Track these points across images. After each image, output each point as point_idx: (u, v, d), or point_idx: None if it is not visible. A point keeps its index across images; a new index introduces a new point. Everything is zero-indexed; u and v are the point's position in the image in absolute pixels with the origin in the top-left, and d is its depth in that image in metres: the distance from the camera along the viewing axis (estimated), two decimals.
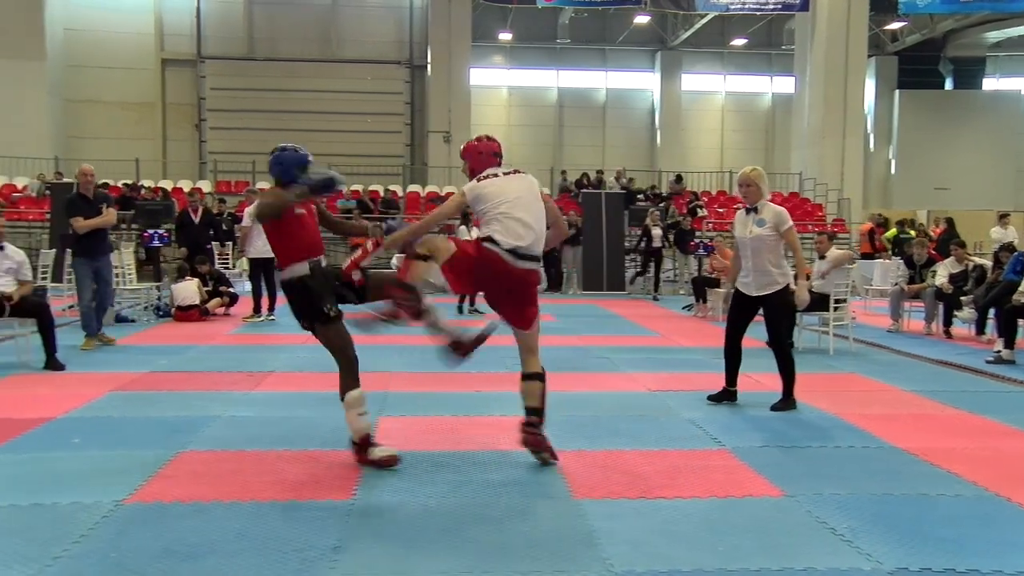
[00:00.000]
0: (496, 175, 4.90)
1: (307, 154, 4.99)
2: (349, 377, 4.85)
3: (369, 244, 4.92)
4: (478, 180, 4.88)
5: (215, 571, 3.45)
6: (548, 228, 4.98)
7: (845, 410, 6.54)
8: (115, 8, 27.42)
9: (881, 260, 17.81)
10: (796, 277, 6.58)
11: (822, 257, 10.00)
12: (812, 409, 6.60)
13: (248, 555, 3.61)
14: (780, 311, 6.46)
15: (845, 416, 6.34)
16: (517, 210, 4.72)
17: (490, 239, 4.68)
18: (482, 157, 5.06)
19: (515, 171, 5.01)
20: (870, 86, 30.10)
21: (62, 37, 26.70)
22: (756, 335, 6.88)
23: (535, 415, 5.01)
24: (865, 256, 19.06)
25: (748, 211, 6.54)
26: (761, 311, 6.49)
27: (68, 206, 8.98)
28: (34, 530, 3.85)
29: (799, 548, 3.79)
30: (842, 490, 4.58)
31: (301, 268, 4.82)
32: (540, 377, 5.04)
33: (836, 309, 9.60)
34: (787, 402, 6.55)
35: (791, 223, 6.38)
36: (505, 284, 4.81)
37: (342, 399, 4.82)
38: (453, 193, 4.97)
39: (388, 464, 4.84)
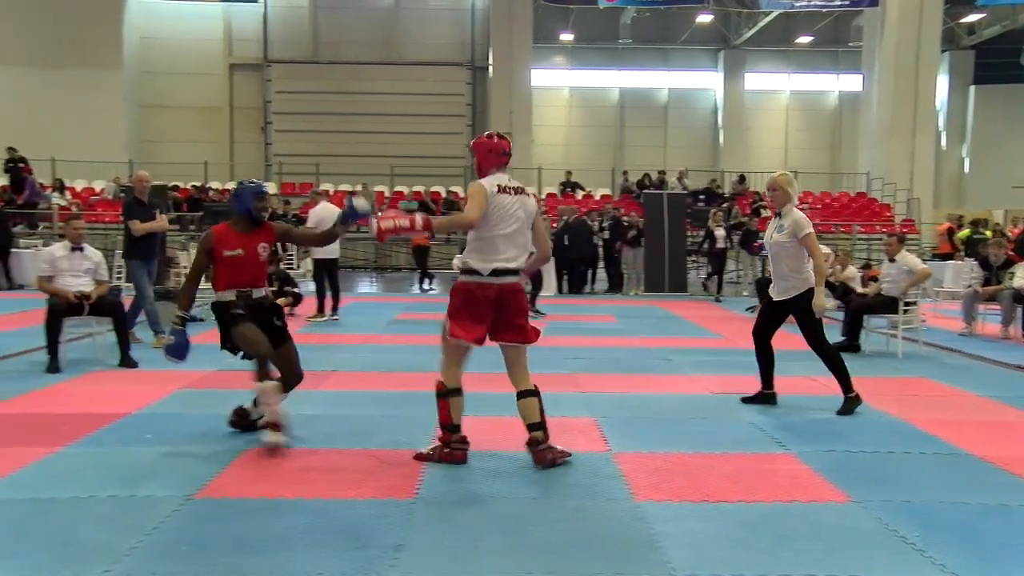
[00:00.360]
0: (508, 190, 4.99)
1: (261, 185, 5.75)
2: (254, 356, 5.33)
3: (419, 220, 4.93)
4: (498, 189, 4.94)
5: (279, 566, 3.52)
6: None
7: (915, 415, 6.37)
8: (187, 16, 28.22)
9: (953, 261, 17.29)
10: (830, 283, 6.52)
11: (891, 260, 9.71)
12: (880, 414, 6.45)
13: (312, 551, 3.67)
14: (805, 314, 6.42)
15: (915, 421, 6.18)
16: (510, 239, 4.93)
17: (468, 271, 4.92)
18: (491, 155, 5.09)
19: (522, 190, 5.11)
20: (943, 82, 29.26)
21: (138, 45, 27.72)
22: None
23: (540, 430, 4.99)
24: (943, 257, 18.51)
25: (776, 216, 6.57)
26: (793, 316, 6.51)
27: (125, 209, 9.31)
28: (112, 521, 3.98)
29: (867, 556, 3.70)
30: (913, 497, 4.46)
31: (226, 295, 5.46)
32: (536, 393, 5.04)
33: (905, 312, 9.35)
34: (849, 403, 6.43)
35: (809, 230, 6.32)
36: (496, 303, 4.91)
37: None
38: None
39: (272, 451, 5.10)
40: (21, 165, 22.23)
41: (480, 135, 5.30)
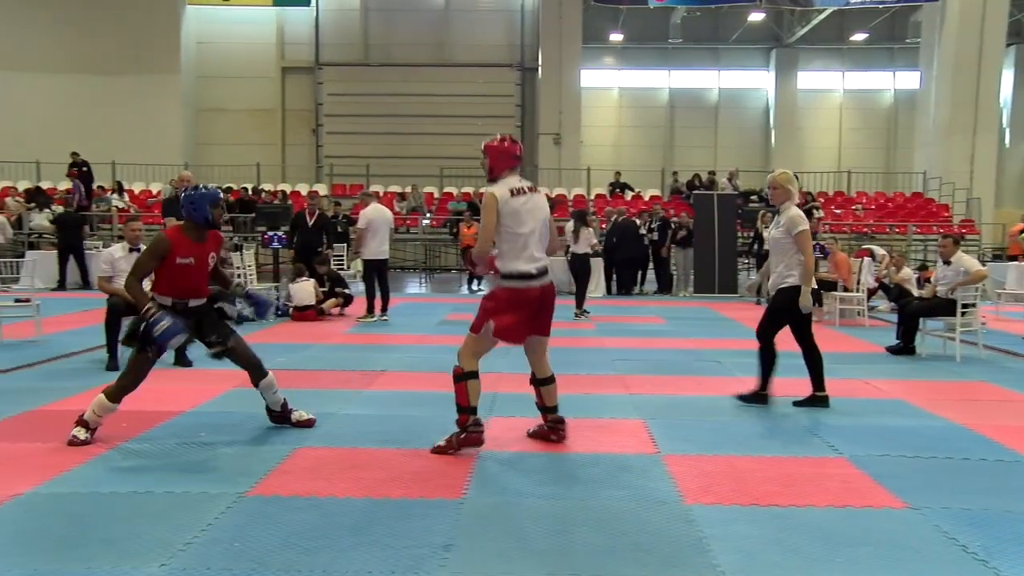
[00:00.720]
0: (522, 190, 5.16)
1: (218, 192, 5.68)
2: (124, 382, 5.44)
3: (480, 266, 5.28)
4: (511, 193, 5.09)
5: (330, 565, 3.56)
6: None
7: (975, 420, 6.21)
8: (241, 21, 28.77)
9: (1017, 263, 16.83)
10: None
11: (947, 262, 9.47)
12: (937, 418, 6.30)
13: (361, 550, 3.70)
14: (782, 309, 6.60)
15: (974, 427, 6.02)
16: (533, 238, 5.14)
17: (513, 275, 5.09)
18: (503, 158, 5.22)
19: (533, 189, 5.27)
20: (1007, 77, 28.40)
21: (195, 51, 28.38)
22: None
23: (557, 412, 5.47)
24: (1014, 258, 17.98)
25: (775, 214, 6.75)
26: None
27: (164, 207, 9.51)
28: (168, 516, 4.07)
29: (925, 565, 3.62)
30: (974, 505, 4.34)
31: (164, 300, 5.42)
32: (554, 379, 5.46)
33: (964, 314, 9.11)
34: (815, 400, 6.59)
35: (803, 227, 6.41)
36: (541, 304, 5.19)
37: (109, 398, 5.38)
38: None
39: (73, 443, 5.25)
40: (84, 169, 22.90)
41: (492, 139, 5.36)
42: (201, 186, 5.67)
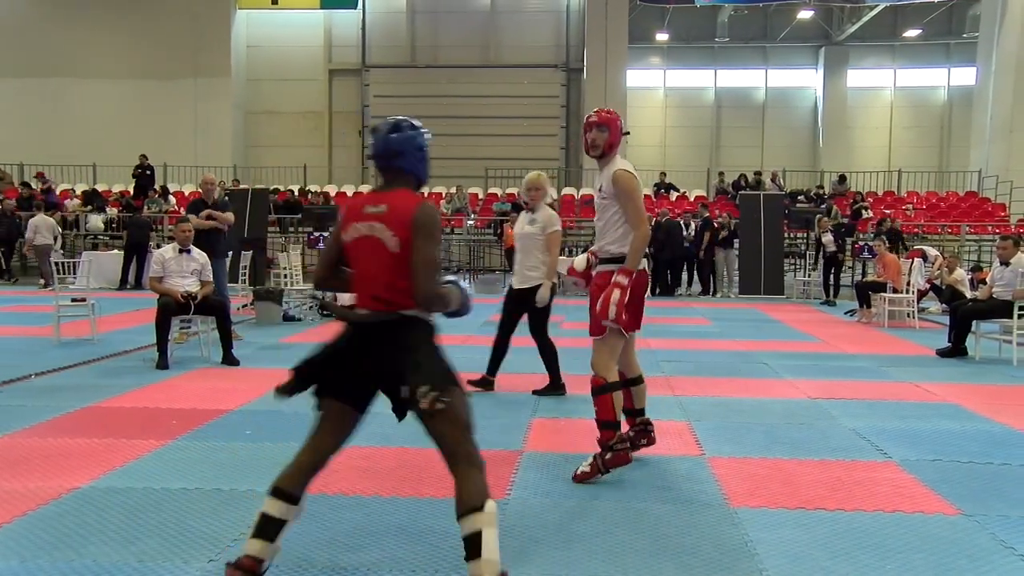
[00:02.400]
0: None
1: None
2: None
3: (623, 280, 4.52)
4: (633, 171, 4.67)
5: (376, 563, 3.59)
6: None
7: None
8: (290, 24, 29.15)
9: None
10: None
11: (1004, 263, 9.23)
12: (992, 423, 6.15)
13: (406, 549, 3.73)
14: (535, 307, 6.82)
15: None
16: None
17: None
18: (619, 134, 4.73)
19: None
20: None
21: (245, 54, 28.87)
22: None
23: (644, 414, 5.10)
24: None
25: (527, 211, 6.98)
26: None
27: (188, 208, 9.77)
28: (218, 513, 4.14)
29: (980, 573, 3.53)
30: None
31: None
32: (643, 378, 5.11)
33: (1020, 316, 8.89)
34: (552, 388, 6.91)
35: (557, 227, 6.82)
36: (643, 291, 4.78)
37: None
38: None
39: None
40: (148, 172, 23.50)
41: (601, 112, 4.77)
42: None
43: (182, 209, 22.13)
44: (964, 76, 29.09)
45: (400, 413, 3.23)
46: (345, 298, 12.00)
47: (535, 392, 6.97)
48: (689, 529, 4.01)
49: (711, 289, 17.50)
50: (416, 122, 3.30)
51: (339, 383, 3.21)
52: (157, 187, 23.62)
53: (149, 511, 4.14)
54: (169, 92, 27.27)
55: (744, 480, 4.73)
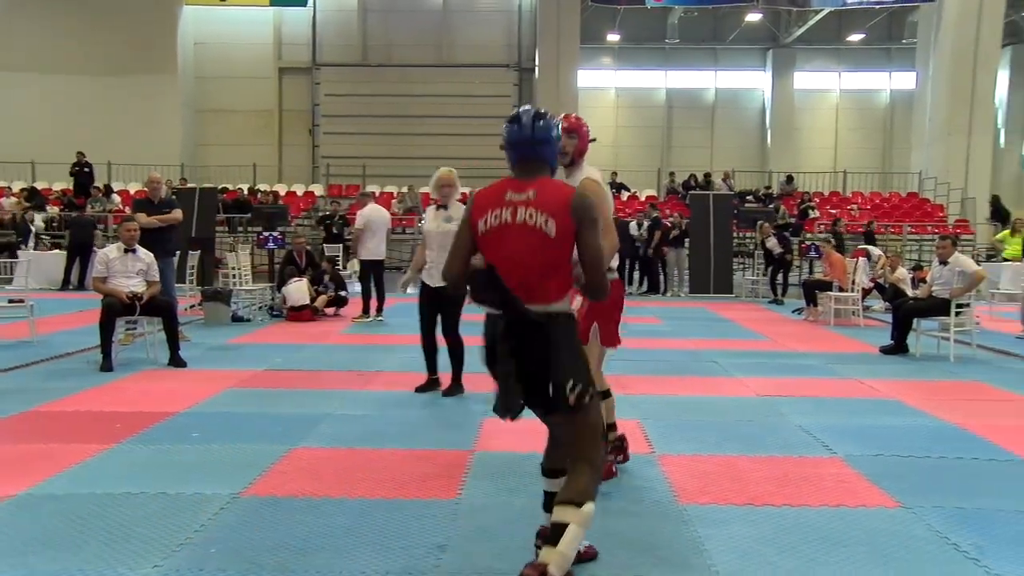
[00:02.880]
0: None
1: None
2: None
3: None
4: (601, 181, 4.43)
5: (325, 565, 3.56)
6: None
7: (969, 420, 6.22)
8: (239, 21, 28.72)
9: (1010, 263, 16.88)
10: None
11: (943, 262, 9.47)
12: (931, 418, 6.32)
13: (356, 551, 3.70)
14: (457, 303, 6.77)
15: (969, 426, 6.03)
16: None
17: (611, 268, 4.42)
18: (588, 142, 4.48)
19: None
20: (1003, 78, 28.41)
21: (192, 51, 28.35)
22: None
23: (616, 429, 4.91)
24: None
25: (439, 208, 7.06)
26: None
27: (134, 206, 9.59)
28: (162, 518, 4.06)
29: (918, 564, 3.63)
30: (967, 504, 4.35)
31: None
32: (611, 393, 4.92)
33: (958, 314, 9.13)
34: (453, 388, 6.97)
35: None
36: None
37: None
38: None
39: None
40: (86, 170, 22.93)
41: (571, 116, 4.50)
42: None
43: (127, 208, 21.72)
44: (905, 80, 29.79)
45: (543, 409, 3.22)
46: (295, 298, 11.91)
47: (444, 393, 6.98)
48: (639, 527, 4.04)
49: (662, 288, 17.64)
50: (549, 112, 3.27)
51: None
52: (100, 185, 23.10)
53: (92, 517, 4.05)
54: (112, 88, 26.59)
55: (694, 477, 4.79)
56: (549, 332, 3.08)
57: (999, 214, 22.35)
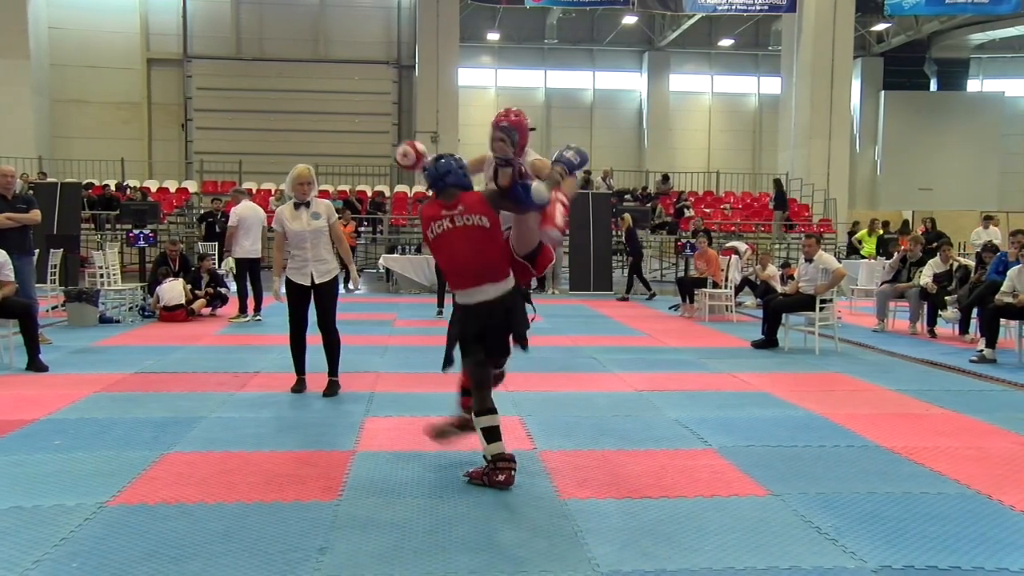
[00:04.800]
0: None
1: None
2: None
3: (562, 196, 4.58)
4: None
5: (200, 574, 3.43)
6: None
7: (831, 410, 6.57)
8: (99, 8, 27.32)
9: (866, 260, 17.92)
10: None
11: (808, 260, 9.98)
12: (798, 409, 6.63)
13: (233, 557, 3.59)
14: (334, 298, 7.04)
15: (831, 416, 6.37)
16: None
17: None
18: (528, 135, 4.81)
19: None
20: (856, 87, 30.29)
21: (46, 36, 26.59)
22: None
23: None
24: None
25: (298, 206, 7.03)
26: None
27: None
28: (14, 534, 3.82)
29: (784, 547, 3.81)
30: (827, 489, 4.60)
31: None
32: None
33: (821, 309, 9.64)
34: (331, 386, 6.93)
35: (335, 214, 7.20)
36: None
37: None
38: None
39: None
40: None
41: (510, 112, 5.01)
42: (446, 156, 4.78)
43: None
44: (771, 85, 31.22)
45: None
46: (168, 297, 11.44)
47: (324, 394, 6.87)
48: (520, 522, 4.08)
49: (545, 286, 17.82)
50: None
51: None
52: None
53: None
54: None
55: (573, 472, 4.87)
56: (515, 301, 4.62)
57: (782, 199, 23.31)
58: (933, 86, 33.49)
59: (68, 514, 4.05)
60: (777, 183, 23.58)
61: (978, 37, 31.52)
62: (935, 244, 12.56)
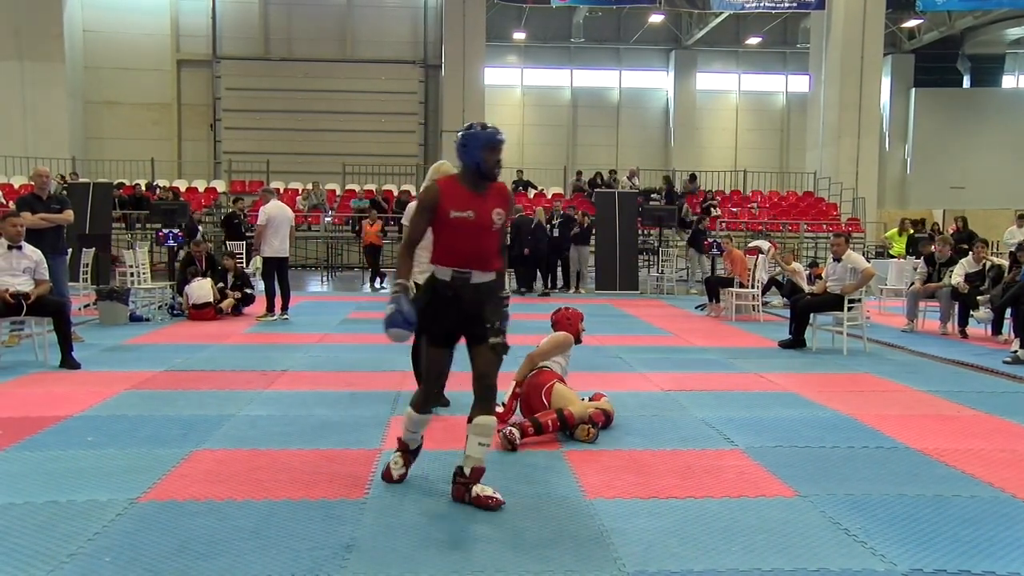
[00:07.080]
0: None
1: (495, 133, 4.25)
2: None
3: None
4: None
5: (228, 569, 3.47)
6: None
7: (860, 411, 6.51)
8: (132, 10, 27.69)
9: (896, 260, 17.72)
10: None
11: (837, 259, 9.88)
12: (826, 409, 6.57)
13: (261, 553, 3.62)
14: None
15: (860, 417, 6.31)
16: None
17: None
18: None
19: None
20: (886, 84, 29.97)
21: (81, 39, 27.03)
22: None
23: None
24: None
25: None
26: None
27: (19, 204, 8.97)
28: (50, 527, 3.88)
29: (812, 548, 3.77)
30: (856, 491, 4.55)
31: (442, 273, 4.29)
32: None
33: (850, 309, 9.54)
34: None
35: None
36: None
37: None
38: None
39: None
40: None
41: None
42: (477, 125, 4.31)
43: (10, 203, 20.69)
44: (799, 83, 30.97)
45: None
46: (197, 296, 11.57)
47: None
48: (547, 522, 4.08)
49: (572, 285, 17.79)
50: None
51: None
52: None
53: None
54: None
55: (600, 472, 4.86)
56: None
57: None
58: (966, 83, 33.02)
59: (101, 509, 4.11)
60: (963, 221, 22.57)
61: (1014, 32, 31.04)
62: (967, 244, 12.38)
